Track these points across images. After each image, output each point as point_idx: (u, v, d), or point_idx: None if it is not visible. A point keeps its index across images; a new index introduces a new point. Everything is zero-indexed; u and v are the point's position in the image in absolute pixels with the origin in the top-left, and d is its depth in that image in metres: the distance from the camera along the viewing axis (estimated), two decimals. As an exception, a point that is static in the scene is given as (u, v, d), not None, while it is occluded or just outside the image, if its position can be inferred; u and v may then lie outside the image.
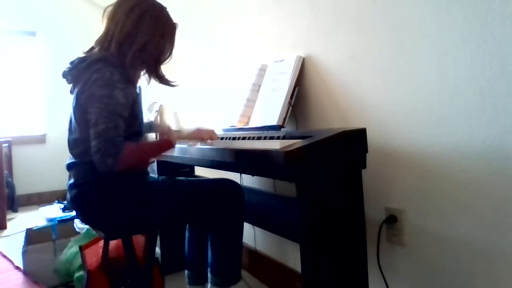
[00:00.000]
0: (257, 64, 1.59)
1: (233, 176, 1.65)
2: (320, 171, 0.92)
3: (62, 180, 3.72)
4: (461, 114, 0.95)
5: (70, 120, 1.20)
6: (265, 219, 1.51)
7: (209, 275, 1.29)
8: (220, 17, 2.09)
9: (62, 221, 2.10)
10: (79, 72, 1.15)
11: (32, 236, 1.92)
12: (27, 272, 1.93)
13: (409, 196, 1.09)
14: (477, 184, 0.93)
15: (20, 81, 3.95)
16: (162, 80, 1.33)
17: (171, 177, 1.35)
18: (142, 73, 1.31)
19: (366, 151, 1.00)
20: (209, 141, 1.30)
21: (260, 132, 1.39)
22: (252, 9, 1.77)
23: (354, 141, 0.97)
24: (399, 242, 1.13)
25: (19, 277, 1.96)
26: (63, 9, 4.10)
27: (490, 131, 0.89)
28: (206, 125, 1.38)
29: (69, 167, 1.20)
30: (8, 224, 3.11)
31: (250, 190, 1.60)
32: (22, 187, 3.79)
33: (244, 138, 1.26)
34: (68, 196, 1.22)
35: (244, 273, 1.58)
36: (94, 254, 1.49)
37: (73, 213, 2.14)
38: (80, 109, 1.14)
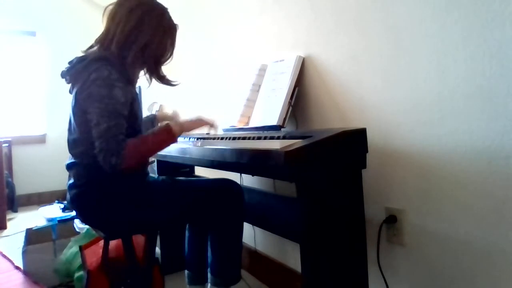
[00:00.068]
0: (257, 64, 1.59)
1: (233, 176, 1.65)
2: (320, 171, 0.92)
3: (62, 180, 3.72)
4: (461, 114, 0.95)
5: (70, 120, 1.20)
6: (265, 219, 1.51)
7: (209, 275, 1.29)
8: (220, 17, 2.09)
9: (62, 221, 2.10)
10: (78, 72, 1.15)
11: (32, 236, 1.92)
12: (27, 272, 1.93)
13: (409, 196, 1.09)
14: (477, 184, 0.93)
15: (20, 81, 3.95)
16: (163, 80, 1.33)
17: (171, 177, 1.35)
18: (142, 73, 1.31)
19: (366, 151, 1.00)
20: (212, 131, 1.30)
21: (260, 132, 1.39)
22: (252, 9, 1.77)
23: (354, 141, 0.97)
24: (399, 242, 1.13)
25: (19, 277, 1.96)
26: (63, 9, 4.10)
27: (490, 131, 0.89)
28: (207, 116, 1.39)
29: (69, 167, 1.20)
30: (8, 224, 3.11)
31: (250, 190, 1.60)
32: (22, 187, 3.79)
33: (244, 138, 1.25)
34: (68, 196, 1.22)
35: (244, 273, 1.59)
36: (94, 254, 1.49)
37: (73, 213, 2.14)
38: (79, 109, 1.13)
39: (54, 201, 2.98)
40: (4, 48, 3.86)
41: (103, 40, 1.20)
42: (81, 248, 1.52)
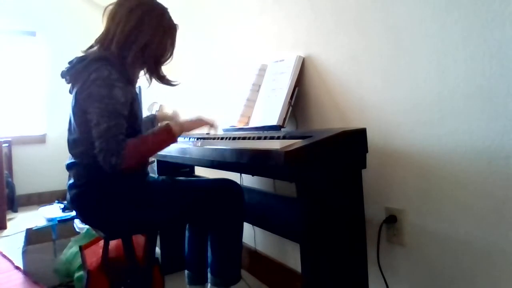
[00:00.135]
0: (257, 64, 1.59)
1: (233, 176, 1.65)
2: (320, 171, 0.92)
3: (62, 180, 3.72)
4: (461, 114, 0.95)
5: (70, 120, 1.20)
6: (265, 219, 1.51)
7: (209, 275, 1.29)
8: (220, 17, 2.09)
9: (62, 221, 2.10)
10: (78, 72, 1.15)
11: (32, 236, 1.92)
12: (27, 272, 1.93)
13: (409, 196, 1.09)
14: (477, 184, 0.93)
15: (20, 81, 3.95)
16: (163, 80, 1.33)
17: (171, 177, 1.35)
18: (142, 73, 1.31)
19: (366, 151, 1.00)
20: (212, 131, 1.30)
21: (260, 132, 1.39)
22: (252, 9, 1.77)
23: (354, 141, 0.97)
24: (399, 242, 1.13)
25: (19, 277, 1.96)
26: (63, 9, 4.10)
27: (490, 131, 0.89)
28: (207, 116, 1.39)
29: (69, 167, 1.20)
30: (8, 224, 3.11)
31: (250, 190, 1.60)
32: (22, 187, 3.79)
33: (244, 138, 1.25)
34: (68, 196, 1.22)
35: (244, 273, 1.59)
36: (94, 254, 1.49)
37: (73, 213, 2.14)
38: (79, 109, 1.13)
39: (54, 201, 2.98)
40: (4, 48, 3.86)
41: (103, 40, 1.20)
42: (81, 248, 1.52)
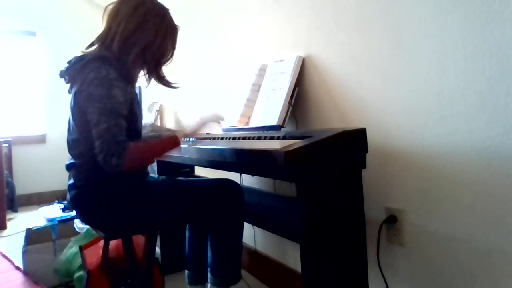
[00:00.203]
0: (257, 64, 1.59)
1: (233, 176, 1.65)
2: (320, 171, 0.92)
3: (62, 180, 3.72)
4: (461, 114, 0.95)
5: (69, 121, 1.19)
6: (265, 219, 1.51)
7: (209, 275, 1.29)
8: (220, 17, 2.09)
9: (62, 221, 2.10)
10: (76, 72, 1.15)
11: (32, 236, 1.92)
12: (27, 272, 1.93)
13: (409, 196, 1.09)
14: (477, 184, 0.93)
15: (20, 81, 3.95)
16: (163, 80, 1.32)
17: (171, 177, 1.35)
18: (142, 73, 1.31)
19: (366, 151, 1.00)
20: (218, 127, 1.31)
21: (260, 132, 1.39)
22: (252, 9, 1.77)
23: (354, 141, 0.97)
24: (399, 242, 1.13)
25: (19, 277, 1.96)
26: (63, 9, 4.10)
27: (490, 131, 0.89)
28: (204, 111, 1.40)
29: (69, 167, 1.20)
30: (8, 224, 3.11)
31: (250, 190, 1.60)
32: (22, 187, 3.79)
33: (244, 138, 1.25)
34: (68, 196, 1.22)
35: (244, 273, 1.59)
36: (94, 254, 1.49)
37: (73, 213, 2.14)
38: (78, 109, 1.13)
39: (54, 201, 2.99)
40: (4, 48, 3.86)
41: (104, 39, 1.19)
42: (81, 248, 1.52)
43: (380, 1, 1.13)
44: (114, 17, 1.19)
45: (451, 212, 0.99)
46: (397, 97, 1.11)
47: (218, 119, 1.36)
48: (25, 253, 1.89)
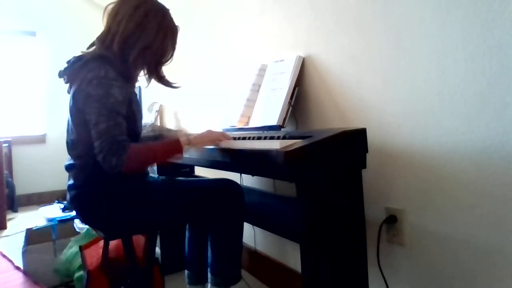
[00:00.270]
0: (257, 64, 1.59)
1: (233, 176, 1.65)
2: (320, 171, 0.92)
3: (62, 180, 3.71)
4: (461, 114, 0.95)
5: (68, 121, 1.19)
6: (265, 219, 1.51)
7: (209, 275, 1.29)
8: (220, 17, 2.09)
9: (62, 221, 2.10)
10: (75, 72, 1.14)
11: (32, 236, 1.92)
12: (27, 272, 1.93)
13: (409, 196, 1.09)
14: (477, 184, 0.93)
15: (20, 81, 3.95)
16: (162, 80, 1.32)
17: (171, 177, 1.35)
18: (142, 73, 1.31)
19: (366, 151, 1.00)
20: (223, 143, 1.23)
21: (260, 132, 1.39)
22: (252, 9, 1.77)
23: (354, 141, 0.97)
24: (399, 242, 1.13)
25: (19, 277, 1.96)
26: (63, 9, 4.10)
27: (490, 131, 0.89)
28: (213, 127, 1.36)
29: (68, 168, 1.20)
30: (8, 224, 3.11)
31: (250, 190, 1.60)
32: (22, 187, 3.79)
33: (244, 138, 1.25)
34: (68, 196, 1.22)
35: (244, 273, 1.58)
36: (94, 254, 1.49)
37: (73, 213, 2.14)
38: (77, 109, 1.13)
39: (54, 201, 2.99)
40: (4, 48, 3.86)
41: (104, 38, 1.19)
42: (81, 248, 1.52)
43: (380, 1, 1.13)
44: (114, 17, 1.19)
45: (451, 212, 0.99)
46: (397, 97, 1.11)
47: (225, 138, 1.28)
48: (25, 253, 1.89)
